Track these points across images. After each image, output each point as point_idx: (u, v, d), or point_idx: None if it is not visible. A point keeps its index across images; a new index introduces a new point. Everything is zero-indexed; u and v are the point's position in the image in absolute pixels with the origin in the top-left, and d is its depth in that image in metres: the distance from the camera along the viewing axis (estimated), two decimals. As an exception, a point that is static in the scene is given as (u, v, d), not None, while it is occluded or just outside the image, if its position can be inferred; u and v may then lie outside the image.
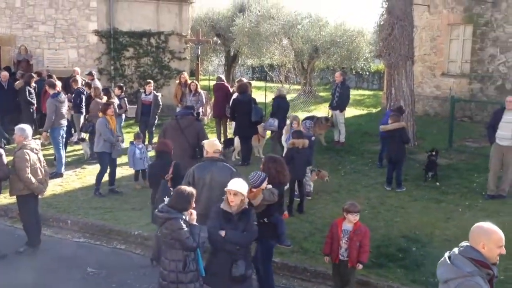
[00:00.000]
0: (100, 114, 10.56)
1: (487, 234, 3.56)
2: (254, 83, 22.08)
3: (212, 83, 17.39)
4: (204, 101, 14.98)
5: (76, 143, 14.06)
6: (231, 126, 14.12)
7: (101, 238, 8.54)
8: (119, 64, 19.31)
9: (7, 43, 17.86)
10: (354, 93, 23.63)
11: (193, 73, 20.66)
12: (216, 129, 14.56)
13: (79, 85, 14.01)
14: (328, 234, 6.47)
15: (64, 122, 11.54)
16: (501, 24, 16.58)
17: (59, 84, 12.28)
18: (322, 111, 18.33)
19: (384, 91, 18.14)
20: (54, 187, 10.46)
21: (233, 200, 5.35)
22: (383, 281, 6.85)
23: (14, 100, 14.38)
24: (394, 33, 13.48)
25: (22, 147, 7.54)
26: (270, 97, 14.09)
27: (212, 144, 6.64)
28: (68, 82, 14.67)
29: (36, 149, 7.73)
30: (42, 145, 9.79)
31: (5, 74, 14.60)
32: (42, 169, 7.82)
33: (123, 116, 13.86)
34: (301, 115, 15.12)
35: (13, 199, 8.28)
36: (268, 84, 21.54)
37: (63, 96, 11.66)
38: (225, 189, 5.44)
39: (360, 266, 6.24)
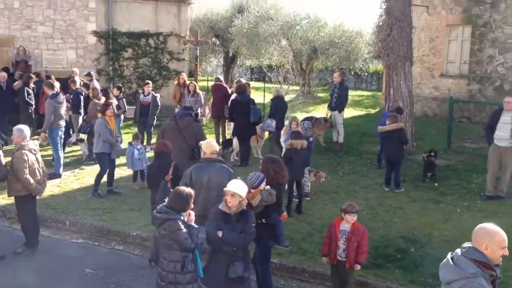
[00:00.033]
0: (99, 114, 10.55)
1: (490, 236, 3.55)
2: (252, 83, 22.12)
3: (211, 83, 17.38)
4: (202, 102, 14.98)
5: (75, 143, 14.04)
6: (229, 127, 14.12)
7: (99, 239, 8.53)
8: (118, 64, 19.30)
9: (6, 44, 17.85)
10: (352, 94, 23.65)
11: (192, 74, 20.68)
12: (215, 130, 14.57)
13: (78, 85, 14.00)
14: (326, 235, 6.47)
15: (63, 123, 11.53)
16: (500, 25, 16.60)
17: (57, 85, 12.27)
18: (321, 111, 18.34)
19: (383, 91, 18.15)
20: (52, 188, 10.45)
21: (230, 201, 5.35)
22: (381, 281, 6.85)
23: (13, 101, 14.37)
24: (393, 34, 13.49)
25: (21, 147, 7.53)
26: (268, 97, 14.10)
27: (209, 145, 6.63)
28: (66, 83, 14.67)
29: (34, 150, 7.72)
30: (41, 145, 9.79)
31: (4, 74, 14.59)
32: (40, 170, 7.81)
33: (122, 116, 13.84)
34: (300, 115, 15.13)
35: (11, 199, 8.26)
36: (267, 85, 21.52)
37: (62, 97, 11.65)
38: (224, 189, 5.44)
39: (358, 267, 6.24)
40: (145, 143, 13.28)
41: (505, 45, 16.56)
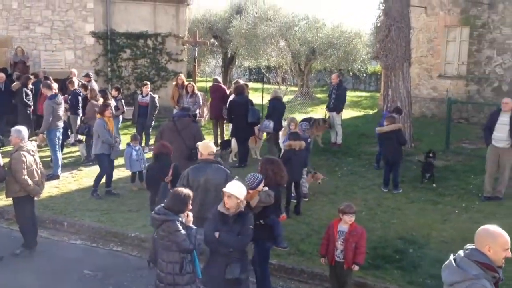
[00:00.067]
0: (98, 115, 10.54)
1: (493, 237, 3.55)
2: (251, 84, 22.13)
3: (209, 84, 17.38)
4: (201, 103, 14.99)
5: (73, 144, 14.03)
6: (228, 128, 14.12)
7: (97, 240, 8.52)
8: (116, 65, 19.28)
9: (4, 45, 17.82)
10: (351, 95, 23.70)
11: (190, 75, 20.68)
12: (213, 131, 14.57)
13: (76, 86, 13.99)
14: (324, 236, 6.47)
15: (61, 124, 11.51)
16: (498, 26, 16.63)
17: (55, 85, 12.26)
18: (319, 112, 18.35)
19: (381, 92, 18.17)
20: (50, 189, 10.44)
21: (227, 202, 5.34)
22: (380, 282, 6.85)
23: (11, 102, 14.36)
24: (391, 35, 13.50)
25: (19, 149, 7.52)
26: (267, 98, 14.11)
27: (206, 146, 6.62)
28: (64, 84, 14.66)
29: (32, 151, 7.71)
30: (39, 147, 9.77)
31: (2, 75, 14.57)
32: (39, 171, 7.80)
33: (120, 117, 13.83)
34: (298, 116, 15.14)
35: (9, 201, 8.24)
36: (265, 86, 21.54)
37: (60, 98, 11.65)
38: (223, 190, 5.44)
39: (356, 268, 6.22)
40: (143, 144, 13.27)
41: (503, 46, 16.60)
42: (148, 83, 14.47)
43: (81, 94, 13.66)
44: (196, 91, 14.75)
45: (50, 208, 9.53)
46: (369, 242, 7.34)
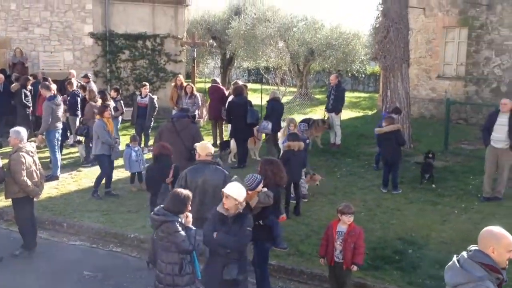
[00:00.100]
0: (97, 116, 10.54)
1: (497, 239, 3.53)
2: (250, 85, 22.14)
3: (208, 85, 17.39)
4: (200, 104, 15.00)
5: (72, 145, 14.02)
6: (227, 129, 14.13)
7: (97, 241, 8.51)
8: (115, 66, 19.28)
9: (3, 46, 17.79)
10: (350, 96, 23.73)
11: (189, 76, 20.69)
12: (212, 132, 14.59)
13: (74, 87, 13.98)
14: (323, 236, 6.47)
15: (60, 125, 11.50)
16: (496, 27, 16.66)
17: (54, 87, 12.25)
18: (318, 113, 18.36)
19: (380, 93, 18.18)
20: (49, 190, 10.43)
21: (225, 203, 5.35)
22: (379, 283, 6.85)
23: (10, 103, 14.34)
24: (390, 36, 13.51)
25: (18, 149, 7.52)
26: (266, 99, 14.12)
27: (204, 147, 6.61)
28: (63, 85, 14.65)
29: (31, 152, 7.70)
30: (38, 148, 9.76)
31: (0, 76, 14.55)
32: (38, 172, 7.80)
33: (120, 118, 13.83)
34: (297, 117, 15.14)
35: (9, 202, 8.24)
36: (264, 87, 21.56)
37: (59, 99, 11.64)
38: (222, 190, 5.44)
39: (355, 268, 6.22)
40: (142, 145, 13.27)
41: (502, 47, 16.62)
42: (147, 84, 14.46)
43: (80, 95, 13.65)
44: (195, 92, 14.76)
45: (49, 209, 9.52)
46: (369, 243, 7.35)
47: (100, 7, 18.73)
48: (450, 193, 10.52)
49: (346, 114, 18.64)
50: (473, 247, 3.61)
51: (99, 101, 12.39)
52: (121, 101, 13.97)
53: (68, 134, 13.99)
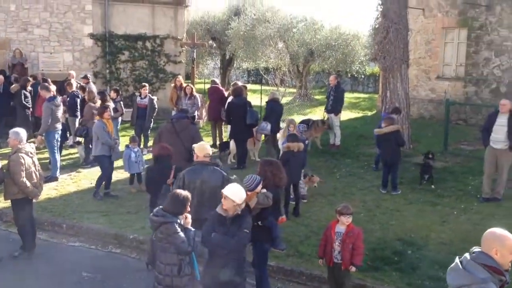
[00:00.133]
0: (97, 117, 10.53)
1: (500, 241, 3.52)
2: (249, 86, 22.14)
3: (208, 86, 17.40)
4: (199, 105, 14.99)
5: (71, 146, 14.00)
6: (226, 129, 14.13)
7: (96, 242, 8.51)
8: (115, 67, 19.27)
9: (2, 47, 17.79)
10: (349, 96, 23.73)
11: (189, 77, 20.69)
12: (212, 132, 14.59)
13: (74, 88, 13.97)
14: (322, 237, 6.47)
15: (59, 126, 11.50)
16: (496, 28, 16.67)
17: (53, 87, 12.25)
18: (318, 114, 18.36)
19: (380, 94, 18.20)
20: (49, 191, 10.42)
21: (224, 204, 5.34)
22: (378, 284, 6.85)
23: (9, 104, 14.34)
24: (389, 37, 13.52)
25: (17, 150, 7.51)
26: (265, 100, 14.13)
27: (202, 148, 6.61)
28: (63, 86, 14.64)
29: (31, 153, 7.70)
30: (37, 148, 9.76)
31: (0, 77, 14.55)
32: (37, 173, 7.79)
33: (119, 119, 13.83)
34: (297, 118, 15.14)
35: (8, 203, 8.25)
36: (264, 87, 21.57)
37: (59, 100, 11.64)
38: (222, 191, 5.44)
39: (353, 269, 6.22)
40: (142, 146, 13.26)
41: (501, 47, 16.63)
42: (147, 85, 14.45)
43: (80, 96, 13.64)
44: (195, 93, 14.75)
45: (48, 210, 9.52)
46: (368, 243, 7.35)
47: (100, 8, 18.72)
48: (450, 194, 10.52)
49: (346, 114, 18.65)
50: (476, 249, 3.60)
51: (99, 102, 12.38)
52: (121, 102, 13.96)
53: (68, 135, 13.97)
